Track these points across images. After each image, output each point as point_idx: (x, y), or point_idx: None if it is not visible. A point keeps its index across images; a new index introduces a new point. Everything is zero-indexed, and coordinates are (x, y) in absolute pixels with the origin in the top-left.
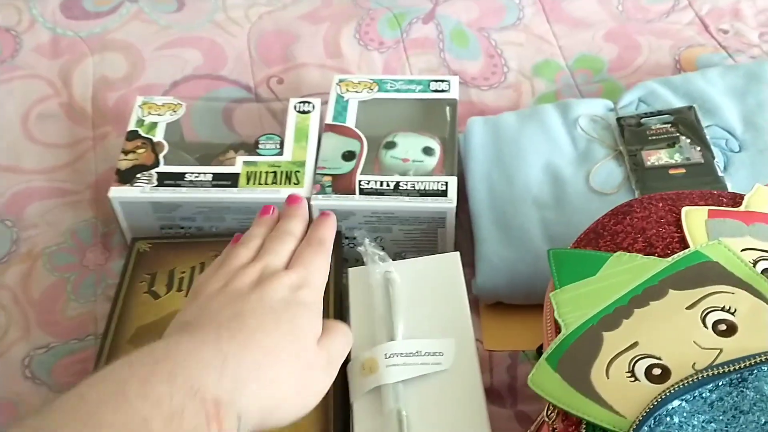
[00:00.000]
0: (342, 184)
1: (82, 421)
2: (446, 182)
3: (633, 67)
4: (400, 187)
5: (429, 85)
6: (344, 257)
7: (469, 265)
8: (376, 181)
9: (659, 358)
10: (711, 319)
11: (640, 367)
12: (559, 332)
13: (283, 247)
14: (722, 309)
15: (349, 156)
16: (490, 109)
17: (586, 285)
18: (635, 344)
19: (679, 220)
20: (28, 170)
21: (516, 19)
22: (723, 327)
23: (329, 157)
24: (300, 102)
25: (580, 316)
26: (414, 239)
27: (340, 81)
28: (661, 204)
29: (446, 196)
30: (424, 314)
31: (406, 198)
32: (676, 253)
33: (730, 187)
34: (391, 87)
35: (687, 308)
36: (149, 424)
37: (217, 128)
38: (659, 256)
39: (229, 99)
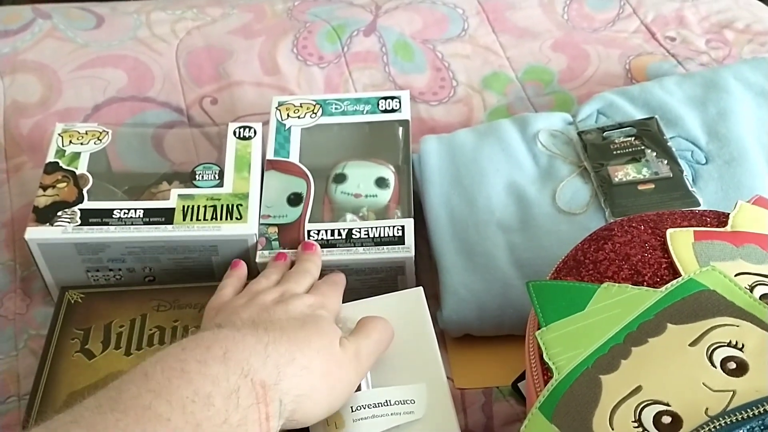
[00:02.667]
0: (289, 236)
1: (154, 392)
2: (402, 226)
3: (583, 77)
4: (353, 236)
5: (378, 104)
6: None
7: (432, 296)
8: (326, 231)
9: (667, 404)
10: (718, 356)
11: (648, 415)
12: (550, 376)
13: (303, 279)
14: (729, 344)
15: (295, 200)
16: (440, 125)
17: (574, 322)
18: (639, 389)
19: (664, 243)
20: None
21: (461, 30)
22: (732, 365)
23: (273, 202)
24: (240, 127)
25: (572, 358)
26: (372, 287)
27: (280, 104)
28: (643, 226)
29: (403, 243)
30: (389, 358)
31: (360, 249)
32: (665, 280)
33: (702, 202)
34: (336, 109)
35: (690, 345)
36: (212, 400)
37: (147, 156)
38: (648, 284)
39: (158, 123)
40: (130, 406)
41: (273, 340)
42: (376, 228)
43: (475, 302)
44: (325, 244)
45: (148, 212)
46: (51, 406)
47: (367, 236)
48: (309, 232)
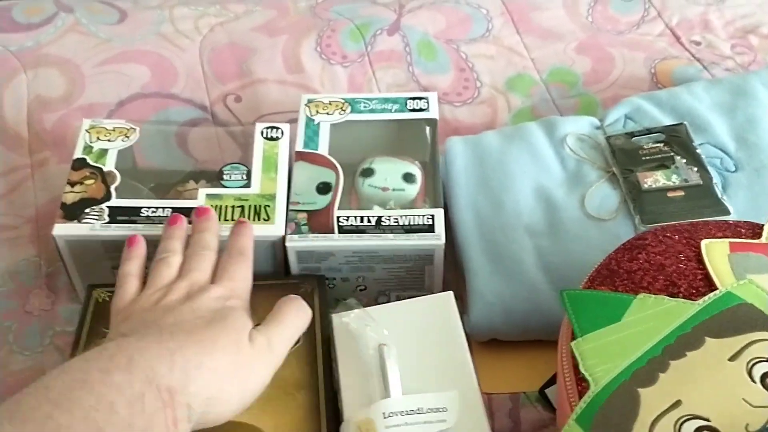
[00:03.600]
0: (318, 222)
1: (54, 402)
2: (432, 216)
3: (608, 80)
4: (382, 223)
5: (406, 104)
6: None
7: (458, 299)
8: (355, 217)
9: (707, 420)
10: (758, 371)
11: (688, 430)
12: (585, 387)
13: (205, 263)
14: None
15: (324, 188)
16: (464, 126)
17: (610, 333)
18: (678, 403)
19: (699, 254)
20: None
21: (485, 30)
22: None
23: (302, 190)
24: (267, 128)
25: (609, 370)
26: (399, 277)
27: (309, 101)
28: (677, 236)
29: (433, 231)
30: (419, 364)
31: (390, 235)
32: (701, 292)
33: (732, 211)
34: (364, 107)
35: (729, 359)
36: (115, 407)
37: (171, 154)
38: (684, 296)
39: (182, 120)
40: (29, 418)
41: (179, 347)
42: (405, 217)
43: (502, 307)
44: (355, 231)
45: (176, 211)
46: None
47: (396, 224)
48: (339, 218)
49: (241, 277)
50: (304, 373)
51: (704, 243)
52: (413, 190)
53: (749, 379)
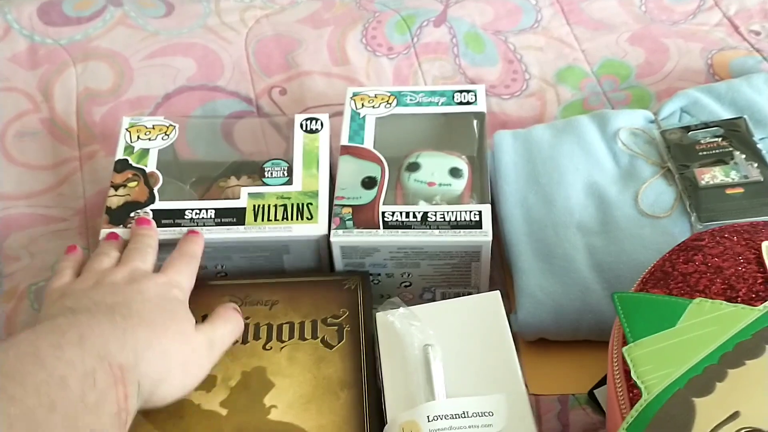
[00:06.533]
0: (364, 217)
1: (7, 376)
2: (479, 211)
3: (662, 72)
4: (428, 219)
5: (453, 97)
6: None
7: (504, 297)
8: (401, 213)
9: None
10: None
11: None
12: (637, 395)
13: (147, 256)
14: None
15: (369, 183)
16: (512, 119)
17: (665, 338)
18: (736, 414)
19: (759, 257)
20: (7, 195)
21: (534, 21)
22: None
23: (348, 185)
24: (306, 119)
25: (663, 377)
26: (445, 274)
27: (355, 95)
28: (736, 237)
29: (480, 227)
30: (465, 366)
31: (436, 231)
32: (762, 296)
33: None
34: (410, 100)
35: None
36: (66, 382)
37: (217, 146)
38: (743, 300)
39: (227, 114)
40: None
41: (131, 326)
42: (452, 212)
43: (551, 306)
44: (400, 226)
45: (219, 212)
46: None
47: (443, 220)
48: (384, 213)
49: (186, 274)
50: (348, 372)
51: (765, 245)
52: (460, 185)
53: None
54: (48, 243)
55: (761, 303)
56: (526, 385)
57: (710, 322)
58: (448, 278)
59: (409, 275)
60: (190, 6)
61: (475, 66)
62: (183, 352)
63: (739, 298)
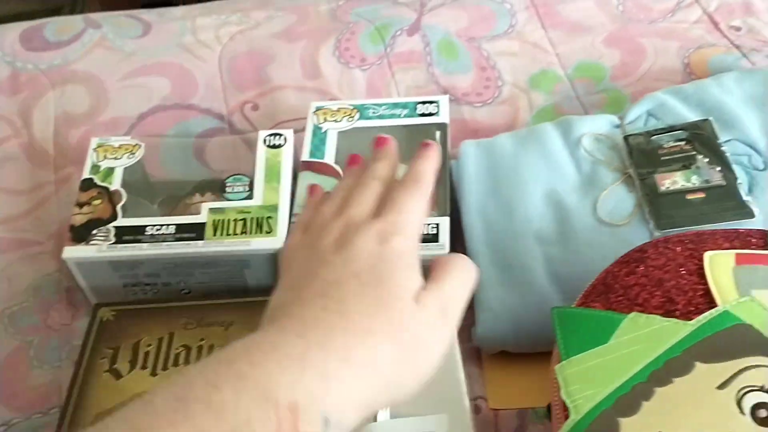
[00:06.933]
0: None
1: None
2: (437, 224)
3: (638, 73)
4: None
5: (415, 108)
6: None
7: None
8: None
9: None
10: (748, 402)
11: None
12: (568, 415)
13: (368, 193)
14: (761, 389)
15: None
16: (484, 127)
17: (597, 356)
18: None
19: (701, 267)
20: None
21: (508, 26)
22: (764, 413)
23: (306, 202)
24: (270, 135)
25: (591, 397)
26: None
27: (318, 109)
28: (679, 248)
29: (437, 241)
30: None
31: None
32: (700, 309)
33: (757, 213)
34: (373, 113)
35: (718, 387)
36: None
37: (189, 165)
38: (681, 313)
39: (200, 131)
40: None
41: (321, 339)
42: None
43: (510, 318)
44: None
45: (180, 228)
46: (79, 427)
47: None
48: None
49: (409, 209)
50: None
51: (708, 255)
52: None
53: (738, 411)
54: (23, 267)
55: (698, 316)
56: (484, 398)
57: (643, 337)
58: None
59: None
60: (167, 25)
61: (448, 74)
62: (398, 347)
63: (677, 311)
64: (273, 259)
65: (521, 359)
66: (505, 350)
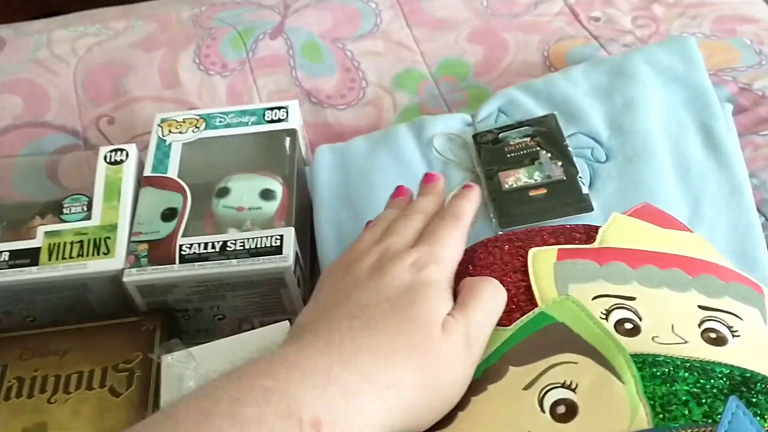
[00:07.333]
0: (160, 252)
1: None
2: (281, 236)
3: (499, 69)
4: (227, 249)
5: (264, 115)
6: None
7: None
8: (199, 244)
9: None
10: (549, 399)
11: None
12: None
13: (410, 224)
14: (563, 385)
15: (169, 215)
16: (348, 130)
17: None
18: None
19: (526, 265)
20: None
21: (373, 25)
22: (562, 409)
23: (146, 219)
24: (111, 151)
25: None
26: (255, 303)
27: (163, 121)
28: (507, 246)
29: (281, 252)
30: None
31: (234, 261)
32: (521, 307)
33: (596, 206)
34: (220, 122)
35: (524, 388)
36: None
37: (42, 185)
38: (504, 312)
39: (53, 149)
40: None
41: (346, 357)
42: (253, 239)
43: None
44: (197, 259)
45: (14, 254)
46: None
47: (242, 248)
48: (181, 246)
49: (446, 243)
50: (132, 422)
51: (532, 252)
52: (271, 207)
53: (539, 409)
54: None
55: (520, 314)
56: None
57: None
58: (260, 307)
59: (218, 308)
60: (23, 40)
61: (312, 77)
62: (422, 372)
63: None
64: (115, 281)
65: None
66: None
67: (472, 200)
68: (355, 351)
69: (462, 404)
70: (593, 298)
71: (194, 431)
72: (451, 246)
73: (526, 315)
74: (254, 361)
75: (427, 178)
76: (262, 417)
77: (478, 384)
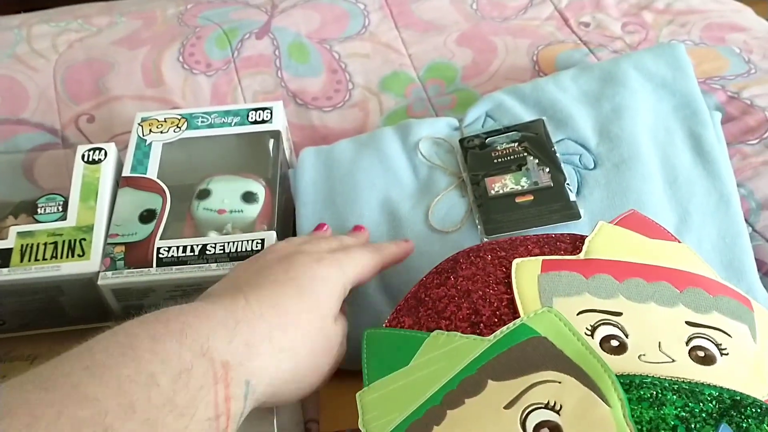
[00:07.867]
0: (137, 255)
1: (88, 371)
2: (262, 239)
3: (488, 72)
4: (206, 253)
5: (247, 116)
6: None
7: None
8: (177, 247)
9: None
10: (532, 421)
11: None
12: None
13: (324, 243)
14: (546, 406)
15: (147, 216)
16: (334, 133)
17: (396, 380)
18: None
19: (509, 276)
20: None
21: (361, 26)
22: None
23: (124, 220)
24: (89, 150)
25: (386, 424)
26: None
27: (143, 120)
28: (490, 256)
29: None
30: None
31: (213, 265)
32: (504, 321)
33: (583, 213)
34: (202, 122)
35: (505, 407)
36: (156, 379)
37: (17, 184)
38: (485, 325)
39: (30, 147)
40: (58, 384)
41: (251, 317)
42: (233, 243)
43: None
44: (175, 262)
45: None
46: None
47: (222, 252)
48: (159, 249)
49: (355, 257)
50: None
51: (515, 262)
52: (254, 210)
53: (521, 430)
54: None
55: (502, 327)
56: (316, 420)
57: (442, 357)
58: None
59: None
60: (1, 35)
61: (298, 77)
62: (315, 345)
63: (482, 324)
64: (90, 284)
65: (356, 377)
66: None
67: (402, 251)
68: (258, 314)
69: (437, 417)
70: (578, 313)
71: (113, 363)
72: (359, 264)
73: (506, 326)
74: (164, 310)
75: (355, 228)
76: (180, 351)
77: (453, 395)
